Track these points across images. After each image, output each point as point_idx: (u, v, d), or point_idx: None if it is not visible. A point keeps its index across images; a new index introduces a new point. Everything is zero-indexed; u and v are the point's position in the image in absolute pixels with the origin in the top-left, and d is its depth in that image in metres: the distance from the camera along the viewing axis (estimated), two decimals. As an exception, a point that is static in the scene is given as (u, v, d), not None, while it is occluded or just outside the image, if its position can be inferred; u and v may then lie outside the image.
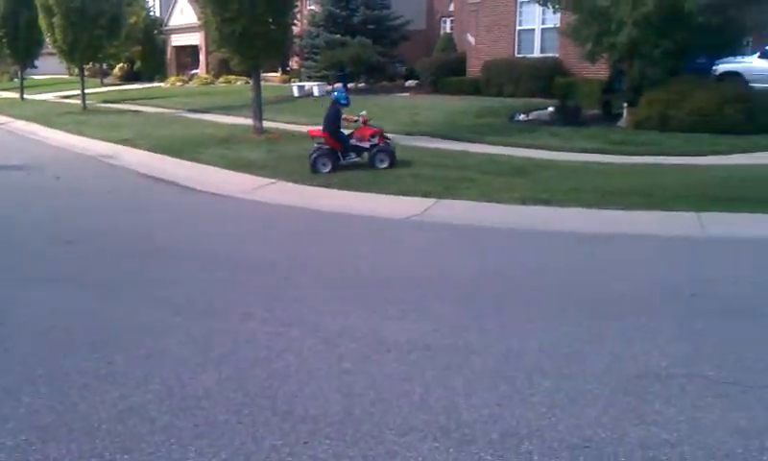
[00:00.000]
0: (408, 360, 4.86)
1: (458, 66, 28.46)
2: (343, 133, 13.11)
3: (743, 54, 19.69)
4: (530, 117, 19.93)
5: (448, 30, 35.31)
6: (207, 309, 5.95)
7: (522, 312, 5.83)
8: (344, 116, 13.13)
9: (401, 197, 10.73)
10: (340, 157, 13.01)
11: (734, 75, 19.92)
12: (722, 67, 20.65)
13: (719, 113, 15.70)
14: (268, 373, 4.67)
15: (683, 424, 3.94)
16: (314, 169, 12.78)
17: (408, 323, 5.57)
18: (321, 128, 13.03)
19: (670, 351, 4.89)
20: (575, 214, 9.50)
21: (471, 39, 27.81)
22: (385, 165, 12.96)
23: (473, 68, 27.29)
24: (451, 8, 34.52)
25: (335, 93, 13.71)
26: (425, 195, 10.67)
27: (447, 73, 28.33)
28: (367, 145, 13.13)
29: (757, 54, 20.09)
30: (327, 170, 12.73)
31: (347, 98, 13.40)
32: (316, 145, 13.04)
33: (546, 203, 9.96)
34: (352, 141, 13.12)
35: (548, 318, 5.64)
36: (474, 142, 16.10)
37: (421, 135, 17.45)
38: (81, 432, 3.94)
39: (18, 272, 7.23)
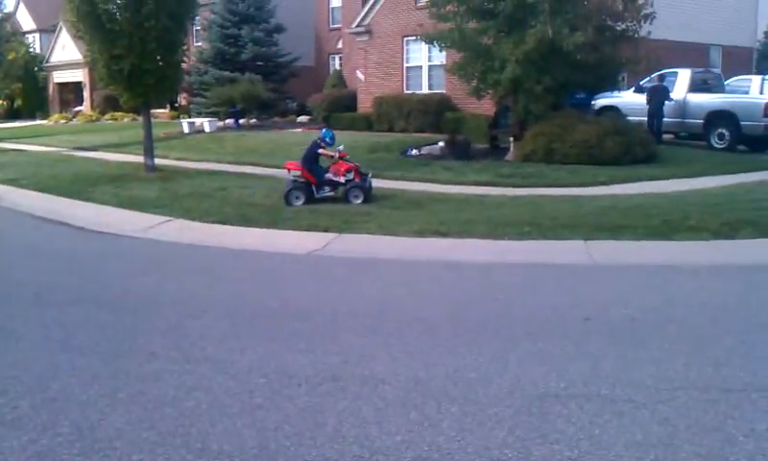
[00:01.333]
0: (319, 392, 4.95)
1: (349, 102, 28.92)
2: (320, 168, 13.45)
3: (619, 89, 20.85)
4: (422, 152, 20.46)
5: (338, 67, 35.78)
6: (111, 350, 5.86)
7: (426, 340, 6.02)
8: (322, 152, 13.30)
9: (302, 232, 10.82)
10: (314, 190, 13.23)
11: (612, 109, 21.12)
12: (600, 102, 21.89)
13: (600, 146, 16.58)
14: (179, 411, 4.67)
15: (583, 442, 4.19)
16: (287, 202, 12.98)
17: (316, 355, 5.66)
18: (298, 161, 13.43)
19: (568, 373, 5.17)
20: (470, 245, 9.83)
21: (361, 76, 28.32)
22: (359, 201, 13.08)
23: (364, 104, 27.80)
24: (339, 45, 35.02)
25: (323, 131, 13.98)
26: (325, 230, 10.80)
27: (339, 109, 28.75)
28: (342, 180, 13.26)
29: (632, 89, 21.35)
30: (300, 203, 12.97)
31: (332, 136, 13.61)
32: (292, 178, 13.34)
33: (443, 234, 10.27)
34: (328, 176, 13.29)
35: (451, 344, 5.85)
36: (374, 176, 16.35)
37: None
38: (-12, 481, 3.85)
39: None
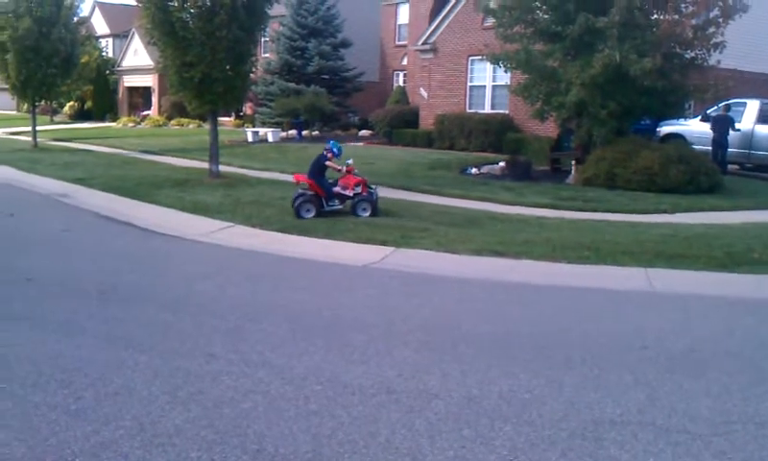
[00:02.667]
0: (373, 403, 5.00)
1: (411, 118, 29.06)
2: (327, 181, 13.40)
3: (685, 117, 20.53)
4: (482, 171, 20.42)
5: (401, 83, 35.99)
6: (172, 349, 6.02)
7: (481, 358, 6.03)
8: (329, 164, 13.32)
9: (360, 245, 10.92)
10: (323, 203, 13.22)
11: (677, 137, 20.77)
12: (665, 129, 21.54)
13: (663, 173, 16.33)
14: (236, 412, 4.77)
15: (636, 468, 4.16)
16: (298, 215, 12.98)
17: (371, 367, 5.72)
18: (305, 174, 13.41)
19: (623, 400, 5.12)
20: (528, 266, 9.79)
21: (424, 94, 28.45)
22: (366, 214, 13.16)
23: (426, 121, 27.90)
24: (404, 62, 35.24)
25: (330, 142, 13.91)
26: (383, 243, 10.88)
27: (401, 125, 28.90)
28: (350, 193, 13.32)
29: (699, 117, 20.97)
30: (311, 216, 12.99)
31: (339, 148, 13.65)
32: (300, 191, 13.30)
33: (500, 254, 10.25)
34: (336, 189, 13.33)
35: (506, 364, 5.85)
36: (429, 193, 16.48)
37: (376, 185, 17.69)
38: (53, 466, 3.99)
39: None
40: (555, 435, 4.56)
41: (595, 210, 14.45)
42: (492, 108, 26.16)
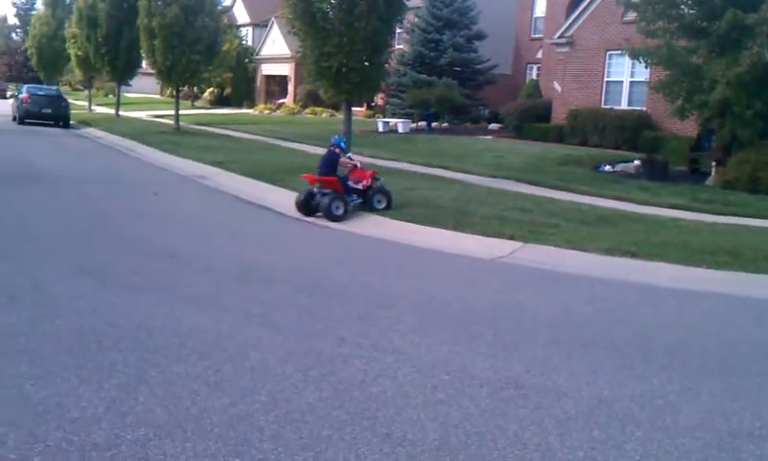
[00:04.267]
0: (501, 397, 5.00)
1: (543, 113, 28.56)
2: (342, 177, 12.86)
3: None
4: (615, 169, 19.89)
5: (535, 76, 35.45)
6: (305, 330, 6.21)
7: (612, 360, 5.91)
8: (343, 160, 12.96)
9: (488, 238, 10.88)
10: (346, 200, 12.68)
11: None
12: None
13: (812, 179, 15.44)
14: (366, 395, 4.88)
15: (777, 484, 3.98)
16: (330, 214, 12.18)
17: (499, 361, 5.72)
18: (315, 174, 12.79)
19: (764, 412, 4.91)
20: (663, 269, 9.46)
21: (558, 87, 27.91)
22: (383, 206, 12.89)
23: (558, 116, 27.37)
24: (539, 55, 34.67)
25: (335, 138, 13.52)
26: (511, 238, 10.79)
27: (532, 119, 28.46)
28: (363, 187, 12.92)
29: None
30: (341, 213, 12.29)
31: (345, 144, 13.52)
32: (316, 190, 12.53)
33: (633, 255, 9.96)
34: (350, 183, 12.83)
35: (638, 368, 5.70)
36: (559, 189, 16.21)
37: (505, 179, 17.62)
38: (194, 433, 4.19)
39: (125, 281, 7.62)
40: (689, 444, 4.42)
41: (735, 214, 13.80)
42: (629, 104, 25.35)
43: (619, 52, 23.74)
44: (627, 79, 25.54)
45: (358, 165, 13.21)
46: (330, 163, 12.73)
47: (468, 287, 8.43)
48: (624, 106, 25.43)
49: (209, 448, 4.03)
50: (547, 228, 11.64)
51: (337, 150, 12.93)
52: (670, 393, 5.20)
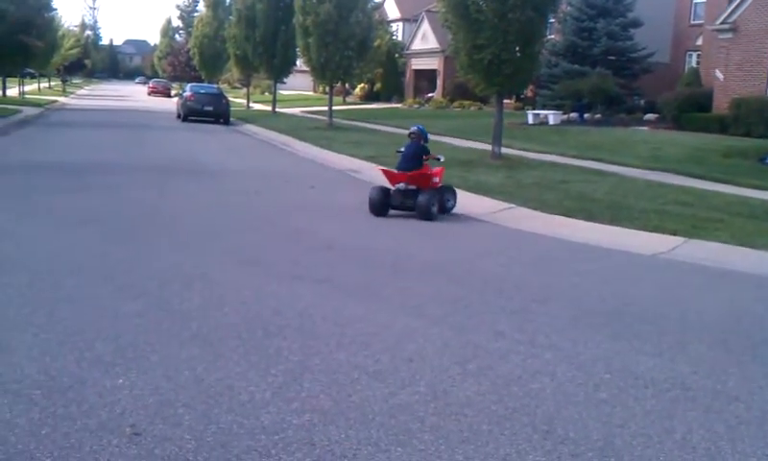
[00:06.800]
0: (667, 398, 4.81)
1: (704, 102, 27.24)
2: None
3: None
4: (784, 160, 18.68)
5: (694, 64, 33.82)
6: (461, 323, 6.20)
7: (788, 364, 5.57)
8: (432, 154, 11.92)
9: (646, 233, 10.49)
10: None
11: None
12: None
13: None
14: (525, 391, 4.81)
15: None
16: (429, 213, 11.13)
17: (664, 361, 5.50)
18: (398, 169, 11.63)
19: None
20: (843, 268, 8.81)
21: (720, 76, 26.54)
22: (451, 205, 11.93)
23: (720, 105, 26.04)
24: (699, 42, 33.03)
25: (418, 126, 12.04)
26: (672, 233, 10.36)
27: (691, 108, 27.21)
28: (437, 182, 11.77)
29: None
30: (436, 211, 11.30)
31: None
32: (402, 187, 11.43)
33: (808, 253, 9.34)
34: (435, 179, 11.71)
35: (819, 374, 5.34)
36: (722, 182, 15.43)
37: (664, 172, 16.94)
38: (356, 421, 4.28)
39: (286, 271, 7.89)
40: None
41: None
42: (800, 92, 23.79)
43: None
44: (797, 65, 23.96)
45: (441, 159, 12.14)
46: (417, 156, 11.55)
47: (627, 283, 8.16)
48: (794, 94, 23.87)
49: (372, 437, 4.10)
50: (711, 223, 11.10)
51: (422, 141, 11.76)
52: None
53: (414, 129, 11.98)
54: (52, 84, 73.12)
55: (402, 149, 11.96)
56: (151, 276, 7.25)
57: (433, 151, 12.18)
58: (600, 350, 5.68)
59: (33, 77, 63.49)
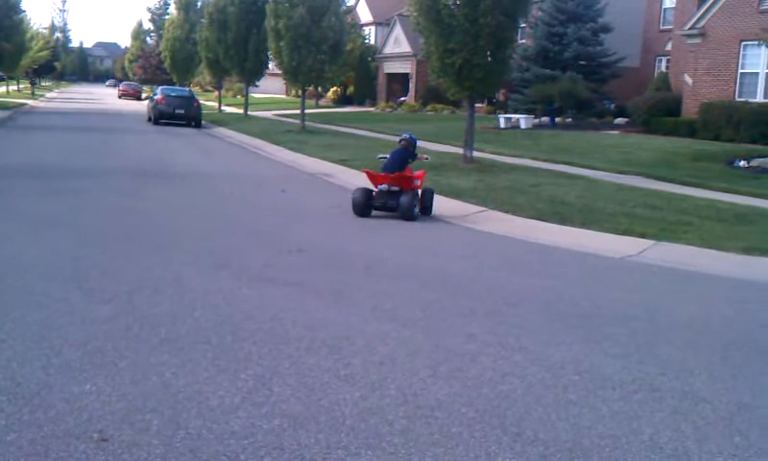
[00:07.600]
0: (635, 400, 4.86)
1: (673, 107, 27.58)
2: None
3: None
4: (751, 164, 18.93)
5: (664, 69, 34.21)
6: (433, 326, 6.22)
7: (753, 364, 5.66)
8: (420, 156, 12.43)
9: (617, 236, 10.59)
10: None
11: None
12: None
13: None
14: (495, 393, 4.84)
15: None
16: (411, 213, 11.48)
17: (632, 362, 5.55)
18: (383, 172, 11.85)
19: None
20: (808, 270, 8.96)
21: (689, 80, 26.87)
22: (430, 206, 12.21)
23: (689, 109, 26.36)
24: (668, 47, 33.43)
25: (407, 134, 12.51)
26: (642, 236, 10.46)
27: (661, 113, 27.54)
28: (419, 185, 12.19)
29: None
30: (417, 212, 11.69)
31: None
32: (385, 188, 11.68)
33: (775, 255, 9.48)
34: (417, 182, 12.05)
35: (783, 374, 5.43)
36: (691, 185, 15.60)
37: (634, 175, 17.11)
38: (326, 425, 4.27)
39: (258, 274, 7.86)
40: (843, 455, 4.17)
41: None
42: (766, 96, 24.12)
43: (755, 42, 22.64)
44: (763, 70, 24.37)
45: (429, 159, 12.85)
46: (403, 160, 11.95)
47: (597, 286, 8.23)
48: (760, 98, 24.23)
49: (342, 441, 4.10)
50: (680, 226, 11.22)
51: (411, 147, 12.22)
52: (820, 401, 4.91)
53: (405, 135, 12.48)
54: (21, 86, 72.19)
55: (384, 155, 12.33)
56: (121, 280, 7.19)
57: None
58: (570, 352, 5.73)
59: (1, 80, 62.63)
